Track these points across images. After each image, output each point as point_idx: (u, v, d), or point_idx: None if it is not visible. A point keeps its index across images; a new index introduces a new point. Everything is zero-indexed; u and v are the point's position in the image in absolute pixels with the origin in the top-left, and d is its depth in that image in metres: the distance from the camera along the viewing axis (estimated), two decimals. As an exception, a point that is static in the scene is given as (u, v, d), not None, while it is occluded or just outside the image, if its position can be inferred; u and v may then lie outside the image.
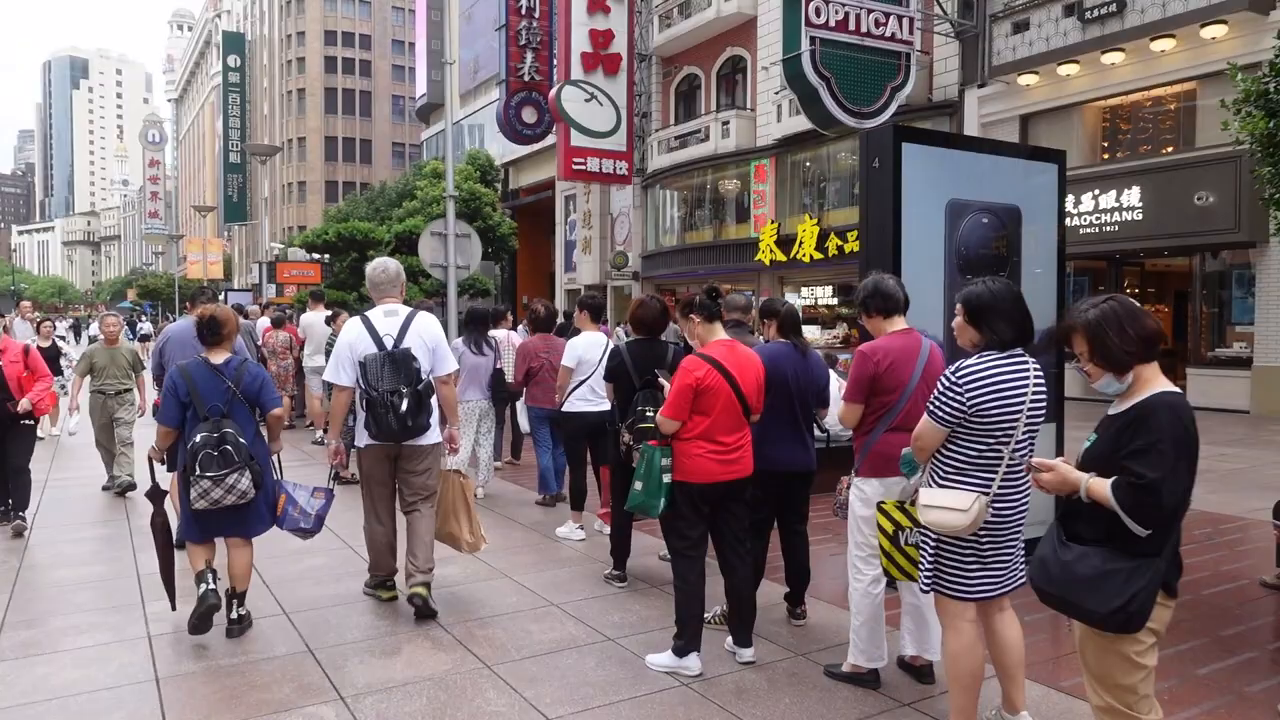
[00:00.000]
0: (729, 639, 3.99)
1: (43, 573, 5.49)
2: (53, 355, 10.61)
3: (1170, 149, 15.32)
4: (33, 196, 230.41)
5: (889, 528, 3.30)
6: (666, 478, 3.70)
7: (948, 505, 2.89)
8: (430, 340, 4.49)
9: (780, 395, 4.07)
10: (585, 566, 5.50)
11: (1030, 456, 2.94)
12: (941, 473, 3.00)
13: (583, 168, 24.60)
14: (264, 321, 12.85)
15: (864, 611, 3.60)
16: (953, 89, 18.11)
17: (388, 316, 4.48)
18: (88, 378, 7.82)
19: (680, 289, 27.25)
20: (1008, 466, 2.91)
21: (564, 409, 6.04)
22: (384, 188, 41.03)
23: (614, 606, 4.70)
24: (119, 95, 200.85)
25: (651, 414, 4.21)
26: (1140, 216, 15.21)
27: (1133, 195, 15.32)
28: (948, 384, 2.92)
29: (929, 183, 4.92)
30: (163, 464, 4.46)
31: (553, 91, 25.35)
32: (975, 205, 5.11)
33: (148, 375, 7.25)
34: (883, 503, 3.35)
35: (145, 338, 33.64)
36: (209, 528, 4.19)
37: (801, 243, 20.86)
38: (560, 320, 8.40)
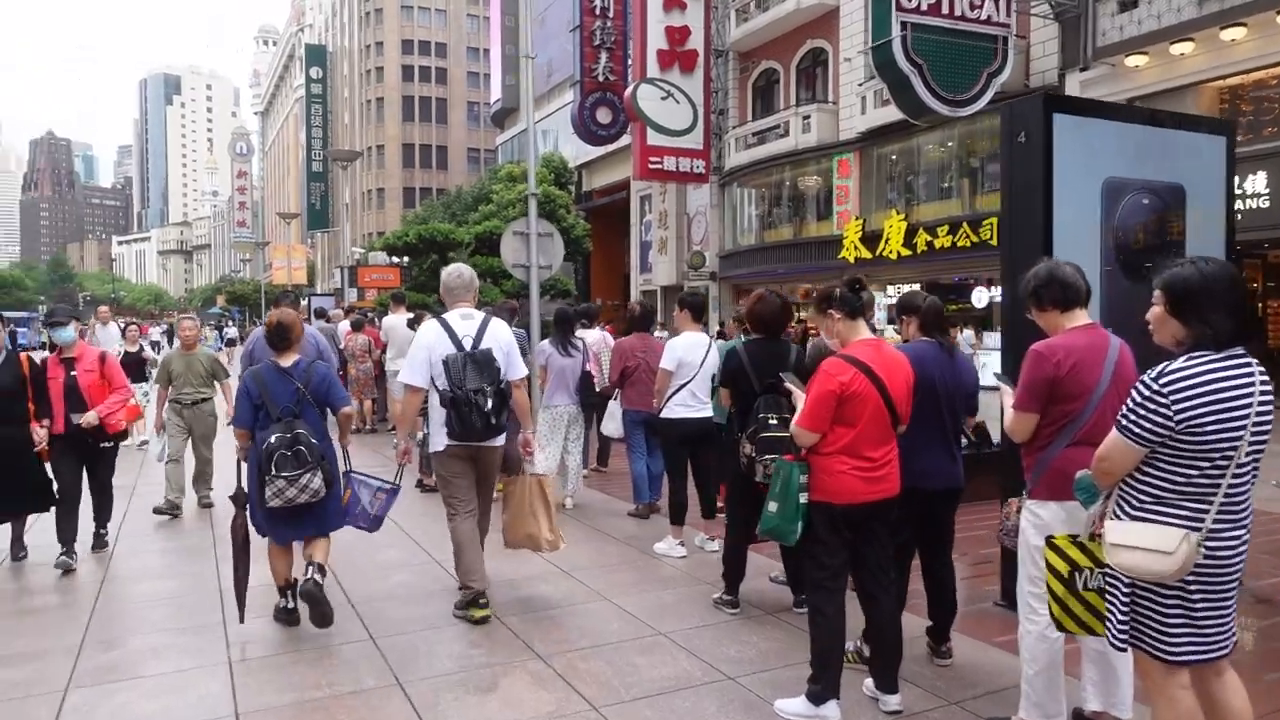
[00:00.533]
0: (869, 680, 3.48)
1: (125, 586, 5.30)
2: (137, 362, 10.46)
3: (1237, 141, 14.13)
4: (130, 208, 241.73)
5: (1062, 568, 2.71)
6: (804, 498, 3.20)
7: (1147, 545, 2.32)
8: (504, 344, 4.54)
9: (927, 401, 3.54)
10: (690, 588, 5.05)
11: (1254, 483, 2.37)
12: (1135, 502, 2.43)
13: (659, 167, 24.20)
14: (345, 325, 12.77)
15: (1040, 659, 3.04)
16: (1052, 74, 17.09)
17: (464, 320, 4.54)
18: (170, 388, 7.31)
19: (759, 289, 26.64)
20: (1226, 496, 2.33)
21: (663, 415, 5.60)
22: (460, 192, 41.40)
23: (728, 637, 4.23)
24: (209, 110, 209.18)
25: (775, 421, 3.74)
26: (1267, 204, 14.04)
27: (1258, 181, 14.15)
28: (1148, 393, 2.36)
29: (1083, 159, 4.32)
30: (240, 467, 4.44)
31: (628, 90, 25.02)
32: (1134, 184, 4.49)
33: (232, 382, 6.91)
34: (1053, 537, 2.77)
35: (231, 342, 34.60)
36: (285, 529, 4.29)
37: (888, 239, 20.04)
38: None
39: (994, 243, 17.38)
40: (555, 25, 44.00)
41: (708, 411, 5.58)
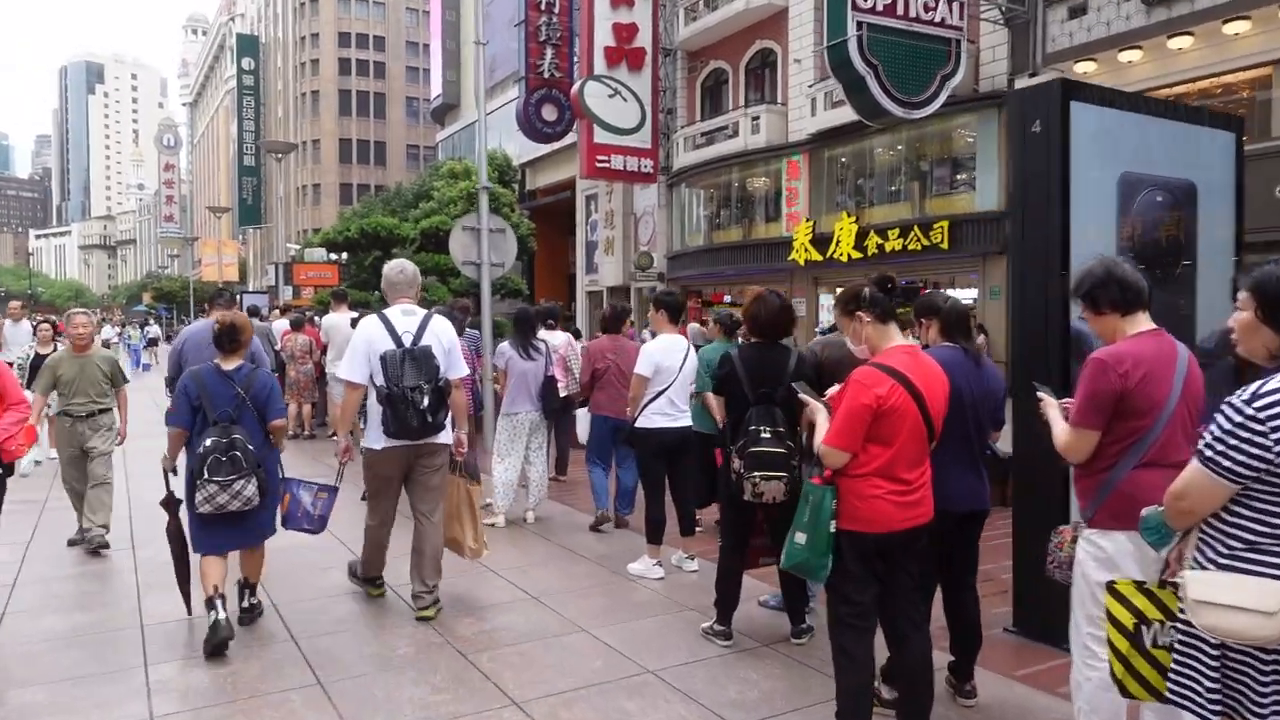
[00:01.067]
0: (891, 728, 3.10)
1: (28, 622, 4.64)
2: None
3: (1245, 138, 14.34)
4: (50, 201, 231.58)
5: (1126, 620, 2.30)
6: (832, 526, 2.81)
7: (1242, 604, 1.92)
8: (446, 341, 4.49)
9: (954, 415, 3.17)
10: (672, 615, 4.62)
11: None
12: (1224, 548, 2.02)
13: (606, 165, 23.78)
14: (282, 324, 12.01)
15: (1101, 710, 2.68)
16: (1001, 79, 17.13)
17: (405, 315, 4.48)
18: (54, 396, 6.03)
19: (707, 290, 26.40)
20: None
21: (639, 425, 5.16)
22: (400, 189, 40.32)
23: (725, 675, 3.81)
24: (134, 100, 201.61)
25: (768, 435, 3.35)
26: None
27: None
28: (1240, 418, 1.96)
29: (1099, 152, 4.03)
30: (174, 473, 4.27)
31: (575, 87, 24.55)
32: (1149, 180, 4.22)
33: (132, 389, 6.24)
34: (1115, 582, 2.38)
35: (154, 341, 33.00)
36: (217, 538, 4.15)
37: (839, 241, 19.94)
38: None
39: (944, 246, 17.38)
40: (499, 20, 43.12)
41: (687, 420, 5.18)
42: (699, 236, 26.41)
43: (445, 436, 4.50)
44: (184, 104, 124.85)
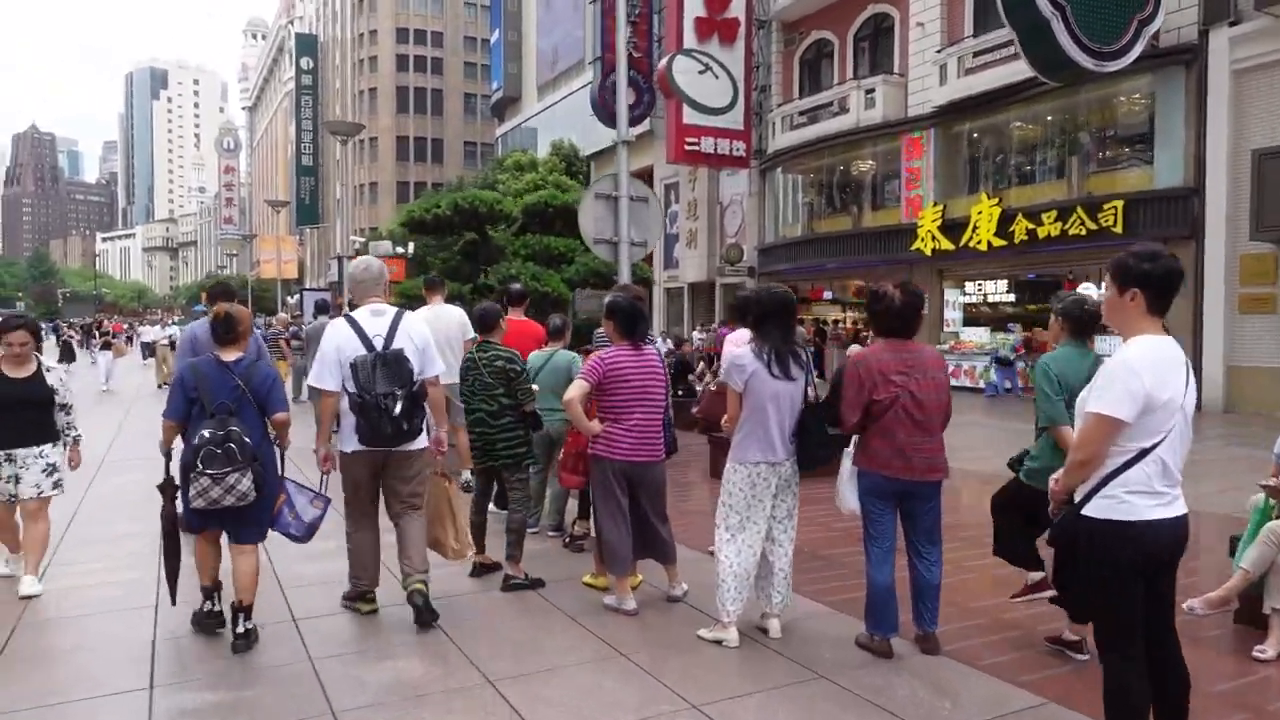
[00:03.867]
0: None
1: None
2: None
3: None
4: (116, 205, 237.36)
5: None
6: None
7: None
8: (419, 340, 4.30)
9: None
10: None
11: None
12: None
13: (696, 149, 21.47)
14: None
15: None
16: (1189, 30, 14.42)
17: (375, 316, 4.28)
18: None
19: (804, 286, 23.94)
20: None
21: (1105, 516, 2.71)
22: (461, 183, 38.54)
23: None
24: (196, 105, 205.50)
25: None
26: None
27: None
28: None
29: None
30: (168, 458, 4.14)
31: (663, 62, 22.29)
32: None
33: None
34: None
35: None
36: (209, 520, 3.99)
37: (976, 227, 17.36)
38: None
39: (1118, 229, 14.73)
40: (562, 9, 41.27)
41: (1182, 504, 2.74)
42: (796, 226, 24.01)
43: (421, 442, 4.31)
44: (243, 108, 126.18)
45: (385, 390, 4.00)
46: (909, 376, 3.61)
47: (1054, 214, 15.81)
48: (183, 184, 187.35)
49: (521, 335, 6.15)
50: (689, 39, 21.96)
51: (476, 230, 11.10)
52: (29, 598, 4.54)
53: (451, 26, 67.66)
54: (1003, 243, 16.80)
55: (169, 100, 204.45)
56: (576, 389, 4.13)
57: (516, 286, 6.80)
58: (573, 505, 5.77)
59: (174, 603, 4.16)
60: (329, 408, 4.27)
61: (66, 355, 24.81)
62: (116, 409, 14.63)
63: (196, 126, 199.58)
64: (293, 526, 4.12)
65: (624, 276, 7.43)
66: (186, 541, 4.16)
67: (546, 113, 41.16)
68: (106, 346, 19.66)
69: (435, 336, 7.04)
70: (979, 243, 17.24)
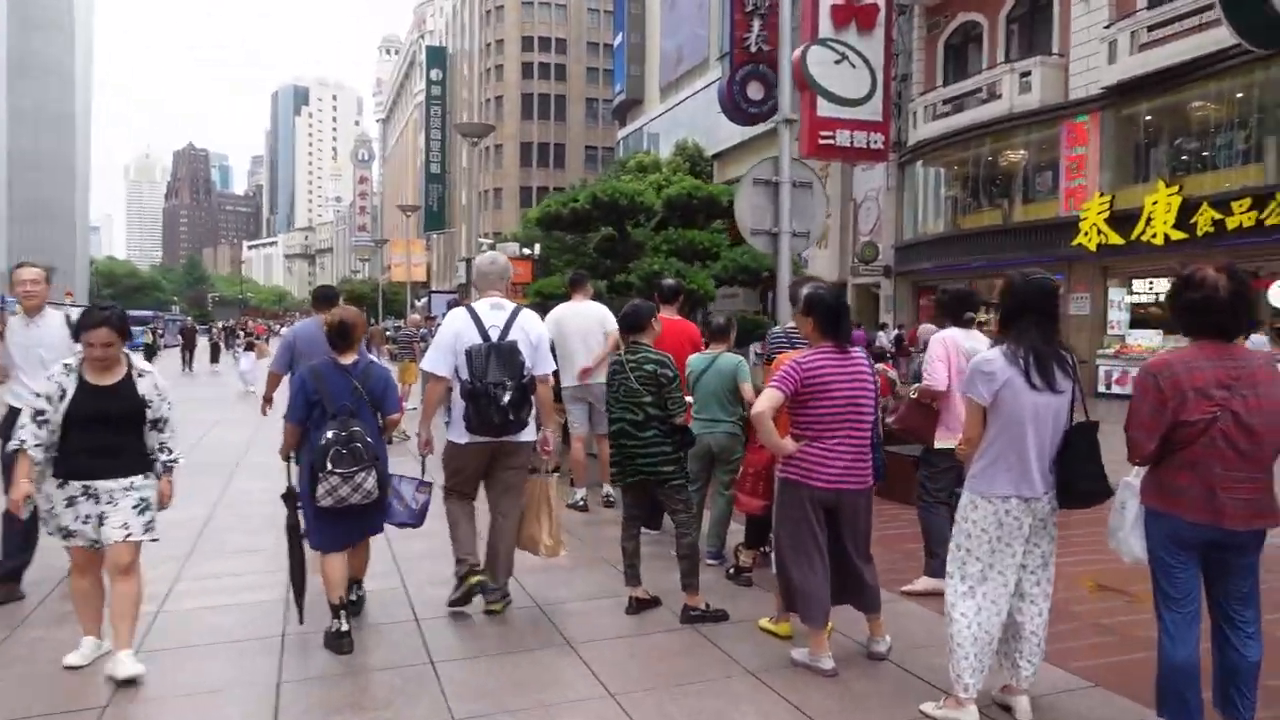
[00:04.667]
0: None
1: None
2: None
3: None
4: (261, 214, 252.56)
5: None
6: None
7: None
8: (534, 336, 4.32)
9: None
10: None
11: None
12: None
13: (831, 142, 20.36)
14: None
15: None
16: None
17: (494, 310, 4.32)
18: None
19: (946, 285, 22.45)
20: None
21: None
22: (585, 186, 38.54)
23: None
24: (334, 119, 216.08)
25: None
26: None
27: None
28: None
29: None
30: (292, 461, 4.16)
31: (796, 52, 21.25)
32: None
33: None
34: None
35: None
36: (338, 534, 3.99)
37: (1151, 218, 15.65)
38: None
39: (1335, 218, 12.84)
40: (686, 7, 40.71)
41: None
42: (938, 222, 22.54)
43: (528, 434, 4.32)
44: (377, 120, 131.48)
45: (496, 379, 4.04)
46: (1232, 393, 2.68)
47: (1247, 202, 14.01)
48: (321, 194, 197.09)
49: (675, 336, 5.49)
50: (825, 28, 20.93)
51: (615, 225, 10.52)
52: (129, 681, 3.44)
53: (575, 33, 68.36)
54: (1183, 235, 15.05)
55: (309, 116, 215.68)
56: (767, 400, 3.37)
57: (670, 281, 6.12)
58: (736, 527, 5.04)
59: (301, 620, 4.03)
60: (437, 393, 4.31)
61: (214, 356, 25.82)
62: (255, 411, 14.83)
63: (334, 139, 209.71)
64: (404, 515, 4.22)
65: (784, 272, 6.65)
66: (311, 555, 4.03)
67: (668, 115, 40.77)
68: (250, 348, 20.26)
69: (573, 332, 6.57)
70: (1154, 236, 15.53)
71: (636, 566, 4.26)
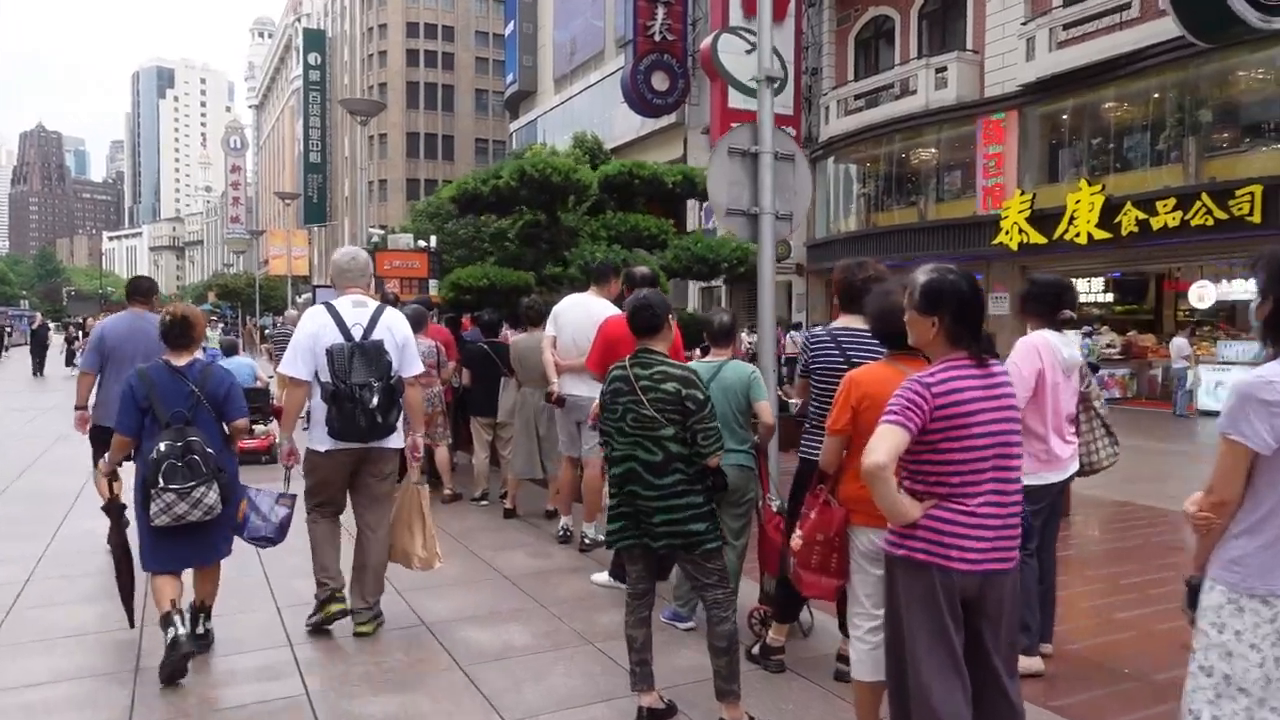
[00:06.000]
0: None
1: None
2: None
3: None
4: (122, 203, 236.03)
5: None
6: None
7: None
8: (399, 337, 4.14)
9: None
10: None
11: None
12: None
13: (743, 135, 19.63)
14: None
15: None
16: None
17: (356, 307, 4.10)
18: None
19: (1034, 275, 22.14)
20: None
21: None
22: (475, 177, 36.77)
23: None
24: (203, 104, 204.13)
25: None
26: None
27: None
28: None
29: None
30: (115, 479, 3.96)
31: (706, 40, 20.38)
32: None
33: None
34: None
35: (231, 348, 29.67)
36: (173, 555, 3.73)
37: (1074, 218, 15.49)
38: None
39: (1255, 219, 12.86)
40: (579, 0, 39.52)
41: None
42: (851, 220, 22.17)
43: (396, 440, 4.13)
44: (250, 106, 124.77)
45: (362, 380, 3.84)
46: None
47: (1172, 202, 13.94)
48: (189, 183, 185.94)
49: (621, 334, 4.41)
50: (735, 16, 20.20)
51: (545, 206, 9.16)
52: None
53: (463, 21, 66.20)
54: (1107, 235, 14.94)
55: (175, 99, 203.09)
56: (888, 443, 2.25)
57: (642, 269, 5.00)
58: (747, 588, 3.94)
59: (131, 624, 3.99)
60: (296, 399, 4.11)
61: (69, 359, 23.03)
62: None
63: (203, 125, 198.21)
64: (263, 529, 3.95)
65: (766, 262, 5.64)
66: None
67: (562, 107, 39.53)
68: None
69: (566, 325, 5.41)
70: (1078, 235, 15.38)
71: (649, 663, 3.09)
